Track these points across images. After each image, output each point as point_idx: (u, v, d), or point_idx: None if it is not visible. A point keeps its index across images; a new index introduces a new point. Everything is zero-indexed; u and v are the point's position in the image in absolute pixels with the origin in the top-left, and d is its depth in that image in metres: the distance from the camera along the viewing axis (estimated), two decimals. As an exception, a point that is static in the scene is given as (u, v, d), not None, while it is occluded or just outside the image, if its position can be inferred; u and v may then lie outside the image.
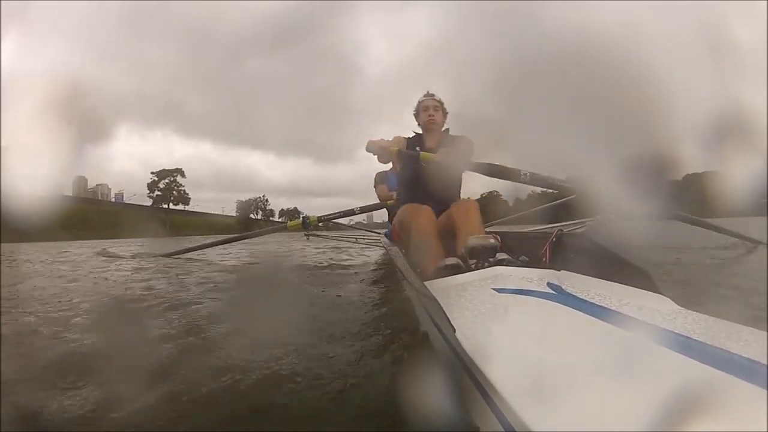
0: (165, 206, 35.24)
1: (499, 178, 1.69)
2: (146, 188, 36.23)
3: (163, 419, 0.64)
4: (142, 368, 0.85)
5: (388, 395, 0.69)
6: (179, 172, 37.37)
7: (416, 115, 1.97)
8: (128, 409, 0.67)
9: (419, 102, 1.96)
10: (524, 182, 1.63)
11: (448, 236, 1.49)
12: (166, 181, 36.54)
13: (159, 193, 36.18)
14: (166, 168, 37.67)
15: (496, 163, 1.63)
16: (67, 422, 0.66)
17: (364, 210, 3.12)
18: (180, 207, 36.42)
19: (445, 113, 1.95)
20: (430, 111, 1.90)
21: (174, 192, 36.56)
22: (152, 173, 37.10)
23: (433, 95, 1.96)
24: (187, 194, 37.08)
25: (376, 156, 1.81)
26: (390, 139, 1.93)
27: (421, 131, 1.96)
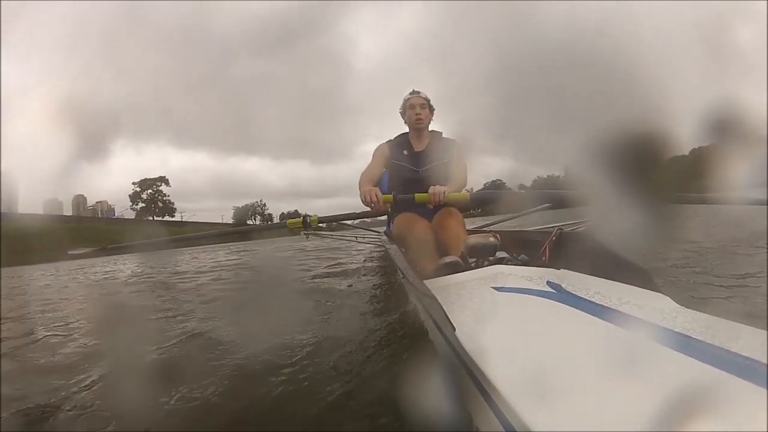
0: (150, 218, 32.29)
1: (493, 202, 1.76)
2: (129, 200, 32.98)
3: (163, 420, 0.64)
4: (140, 369, 0.85)
5: (387, 394, 0.69)
6: (163, 180, 34.10)
7: (402, 113, 1.89)
8: (127, 410, 0.67)
9: (405, 100, 1.87)
10: (514, 198, 1.74)
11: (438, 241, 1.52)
12: (150, 191, 33.50)
13: (143, 204, 33.06)
14: (149, 177, 34.18)
15: (485, 190, 1.70)
16: (67, 422, 0.65)
17: (360, 216, 3.11)
18: (177, 217, 33.82)
19: (432, 110, 1.87)
20: (417, 109, 1.81)
21: (159, 203, 33.49)
22: (134, 183, 33.63)
23: (419, 92, 1.87)
24: (173, 204, 34.10)
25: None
26: (378, 147, 1.88)
27: (407, 130, 1.87)
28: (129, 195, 33.66)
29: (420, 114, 1.80)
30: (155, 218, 32.74)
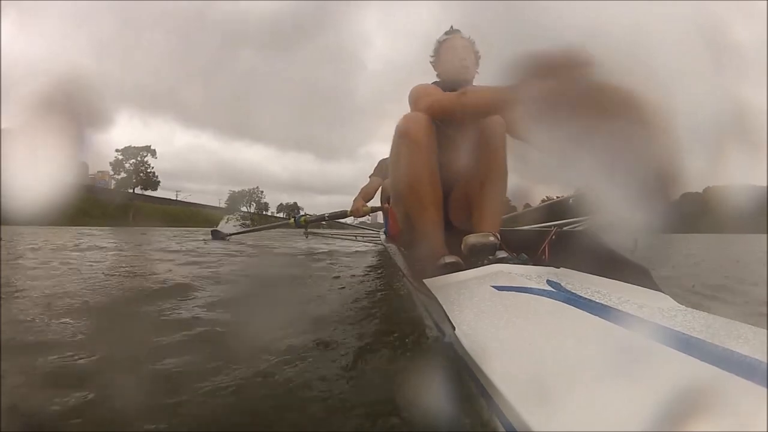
0: (130, 191, 29.79)
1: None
2: (110, 168, 30.34)
3: (162, 419, 0.64)
4: (143, 372, 0.85)
5: (386, 394, 0.69)
6: (149, 150, 31.33)
7: (434, 62, 1.37)
8: (124, 409, 0.67)
9: (440, 42, 1.36)
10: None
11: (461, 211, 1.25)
12: (134, 161, 30.53)
13: (124, 174, 30.26)
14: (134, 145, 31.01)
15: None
16: (67, 422, 0.65)
17: (331, 217, 3.22)
18: (171, 195, 31.88)
19: (477, 58, 1.34)
20: (460, 53, 1.30)
21: (141, 174, 30.68)
22: (117, 151, 30.71)
23: (459, 31, 1.34)
24: (156, 177, 31.42)
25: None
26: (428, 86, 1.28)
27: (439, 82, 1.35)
28: (110, 163, 31.16)
29: (465, 60, 1.29)
30: (134, 191, 30.29)
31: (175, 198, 33.58)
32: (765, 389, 0.41)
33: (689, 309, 0.70)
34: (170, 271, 2.37)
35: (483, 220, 1.19)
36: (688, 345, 0.53)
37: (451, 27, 1.39)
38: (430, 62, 1.40)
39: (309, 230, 3.44)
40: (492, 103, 0.94)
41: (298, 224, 2.87)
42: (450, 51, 1.34)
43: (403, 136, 1.11)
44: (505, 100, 0.88)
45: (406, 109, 1.30)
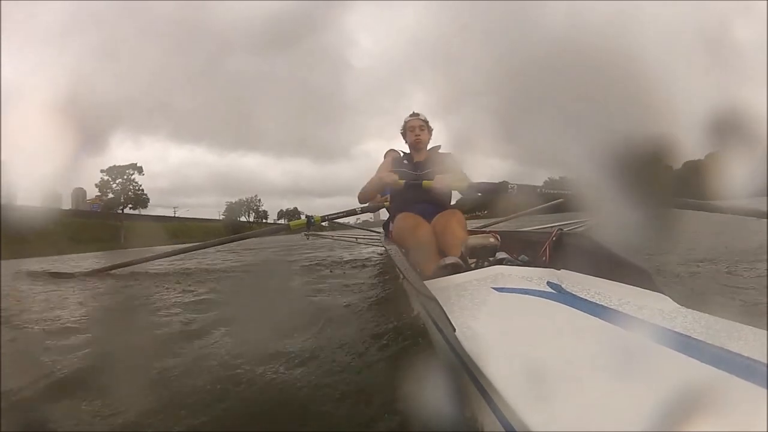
0: (119, 211, 29.26)
1: (490, 194, 1.86)
2: (96, 190, 29.45)
3: (162, 423, 0.64)
4: (141, 372, 0.85)
5: (387, 395, 0.69)
6: (136, 168, 30.36)
7: (403, 134, 2.09)
8: (125, 413, 0.67)
9: (405, 122, 2.08)
10: (511, 195, 1.79)
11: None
12: (120, 180, 29.76)
13: (111, 195, 29.47)
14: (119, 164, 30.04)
15: (485, 181, 1.83)
16: (68, 422, 0.66)
17: (365, 210, 3.16)
18: (170, 212, 30.91)
19: (430, 131, 2.09)
20: (416, 131, 2.02)
21: (130, 193, 29.85)
22: (102, 171, 29.76)
23: (418, 114, 2.09)
24: (146, 195, 30.42)
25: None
26: (383, 158, 2.11)
27: (408, 149, 2.10)
28: (96, 184, 29.81)
29: (419, 135, 2.03)
30: (123, 211, 29.57)
31: (173, 215, 33.19)
32: (765, 390, 0.42)
33: (689, 310, 0.70)
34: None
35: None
36: (687, 346, 0.53)
37: (413, 112, 2.10)
38: (401, 134, 2.10)
39: (310, 232, 3.41)
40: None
41: (310, 226, 2.88)
42: (410, 130, 2.05)
43: (410, 237, 1.62)
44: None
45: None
